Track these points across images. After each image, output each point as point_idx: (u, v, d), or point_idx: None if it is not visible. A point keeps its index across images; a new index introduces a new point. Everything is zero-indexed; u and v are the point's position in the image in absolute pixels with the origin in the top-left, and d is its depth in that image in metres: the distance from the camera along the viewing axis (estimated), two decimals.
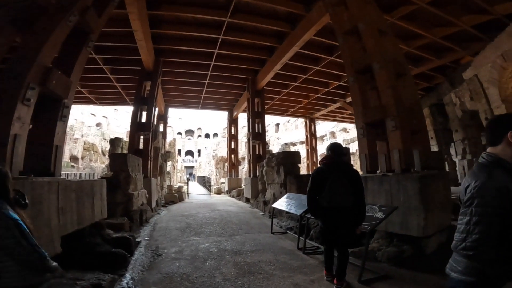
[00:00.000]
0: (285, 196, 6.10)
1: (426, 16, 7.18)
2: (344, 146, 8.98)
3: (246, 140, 13.85)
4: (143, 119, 9.65)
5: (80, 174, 16.83)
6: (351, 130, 26.05)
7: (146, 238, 5.15)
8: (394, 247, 3.63)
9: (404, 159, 3.76)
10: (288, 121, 34.31)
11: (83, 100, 15.55)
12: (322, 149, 23.28)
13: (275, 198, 7.56)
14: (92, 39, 3.96)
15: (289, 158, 7.96)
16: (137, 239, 4.78)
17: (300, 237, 4.50)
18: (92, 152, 26.53)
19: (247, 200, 11.49)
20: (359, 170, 4.12)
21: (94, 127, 36.06)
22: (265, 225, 6.19)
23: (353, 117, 17.47)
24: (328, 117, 19.46)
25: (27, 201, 1.58)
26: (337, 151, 3.10)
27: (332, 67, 10.62)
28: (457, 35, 7.96)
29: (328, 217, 2.94)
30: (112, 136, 14.15)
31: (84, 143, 26.41)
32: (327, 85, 12.68)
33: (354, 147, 21.12)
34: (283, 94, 13.66)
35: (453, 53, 9.07)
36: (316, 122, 19.81)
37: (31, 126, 2.95)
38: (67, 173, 15.69)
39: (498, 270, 1.11)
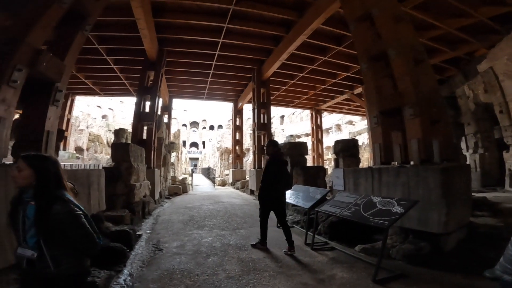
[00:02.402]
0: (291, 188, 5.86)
1: (441, 6, 6.92)
2: (351, 138, 8.73)
3: (251, 132, 13.61)
4: (147, 109, 9.47)
5: (85, 165, 16.83)
6: (357, 123, 25.61)
7: (148, 232, 4.98)
8: (410, 244, 3.39)
9: (424, 149, 3.48)
10: (293, 113, 33.88)
11: (87, 91, 15.51)
12: (327, 141, 22.97)
13: None
14: (89, 22, 3.72)
15: (295, 149, 7.69)
16: (138, 233, 4.61)
17: (308, 232, 4.28)
18: (97, 143, 26.55)
19: (252, 192, 11.31)
20: (370, 161, 3.92)
21: (100, 118, 36.10)
22: (270, 219, 5.96)
23: (360, 109, 17.45)
24: (334, 109, 19.12)
25: (76, 190, 1.64)
26: (280, 147, 4.29)
27: (341, 58, 10.32)
28: (472, 26, 7.72)
29: (279, 200, 3.94)
30: (118, 128, 13.99)
31: (89, 134, 26.40)
32: (335, 76, 12.35)
33: (361, 140, 20.71)
34: (289, 85, 13.34)
35: (468, 45, 8.86)
36: (322, 114, 19.43)
37: (21, 111, 2.75)
38: (72, 164, 15.67)
39: None
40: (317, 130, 18.21)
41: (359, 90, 13.75)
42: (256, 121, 11.98)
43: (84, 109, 34.31)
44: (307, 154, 7.93)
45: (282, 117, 36.85)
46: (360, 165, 7.78)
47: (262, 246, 3.90)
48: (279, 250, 3.82)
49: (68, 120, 15.90)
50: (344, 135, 25.18)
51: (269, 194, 3.90)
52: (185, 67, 11.70)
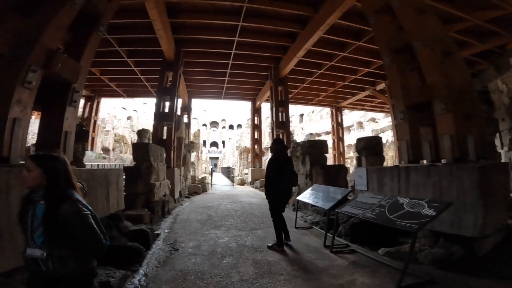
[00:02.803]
0: (311, 188, 5.67)
1: None
2: (374, 136, 8.35)
3: (270, 130, 13.46)
4: (166, 109, 9.63)
5: (110, 165, 17.52)
6: (381, 120, 24.63)
7: (166, 231, 4.99)
8: (440, 248, 3.11)
9: (457, 146, 3.16)
10: (313, 111, 33.30)
11: (111, 93, 16.12)
12: (349, 139, 22.26)
13: (300, 190, 7.15)
14: (102, 23, 3.74)
15: (315, 147, 7.44)
16: (156, 232, 4.63)
17: (328, 234, 4.08)
18: (122, 144, 27.57)
19: None
20: (395, 159, 3.64)
21: (125, 120, 37.57)
22: (288, 219, 5.71)
23: (383, 106, 16.74)
24: (356, 106, 18.51)
25: (85, 190, 1.64)
26: (285, 145, 4.24)
27: (360, 53, 9.97)
28: (502, 18, 7.32)
29: (284, 195, 4.01)
30: (141, 128, 14.42)
31: (115, 135, 27.47)
32: (355, 72, 11.92)
33: (384, 138, 19.89)
34: (308, 82, 13.06)
35: (499, 37, 8.43)
36: (342, 111, 18.86)
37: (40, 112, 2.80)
38: (98, 164, 16.37)
39: None
40: (338, 128, 17.70)
41: (381, 86, 13.18)
42: (274, 119, 11.82)
43: (110, 111, 35.85)
44: (327, 152, 7.66)
45: (302, 115, 36.37)
46: (384, 164, 7.40)
47: (279, 248, 3.76)
48: (296, 252, 3.68)
49: (95, 121, 16.62)
50: (367, 132, 24.33)
51: (274, 193, 3.94)
52: (202, 67, 11.79)
